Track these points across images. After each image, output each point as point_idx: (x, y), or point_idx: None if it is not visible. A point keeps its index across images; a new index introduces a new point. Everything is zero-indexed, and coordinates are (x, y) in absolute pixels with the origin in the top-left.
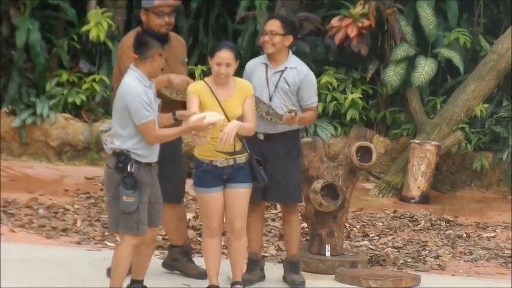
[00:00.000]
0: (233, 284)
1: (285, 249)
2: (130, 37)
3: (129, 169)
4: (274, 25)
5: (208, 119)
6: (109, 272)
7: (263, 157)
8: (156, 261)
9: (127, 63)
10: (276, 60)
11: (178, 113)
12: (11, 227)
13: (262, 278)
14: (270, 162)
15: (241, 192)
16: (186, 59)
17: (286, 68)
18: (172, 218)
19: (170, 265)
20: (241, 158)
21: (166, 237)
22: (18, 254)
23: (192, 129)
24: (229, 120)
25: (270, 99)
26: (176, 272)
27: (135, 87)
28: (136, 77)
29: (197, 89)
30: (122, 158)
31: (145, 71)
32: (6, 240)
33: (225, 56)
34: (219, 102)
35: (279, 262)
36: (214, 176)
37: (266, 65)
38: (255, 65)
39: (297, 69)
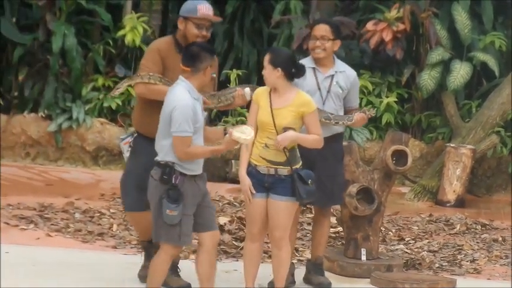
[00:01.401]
0: None
1: (312, 250)
2: (160, 41)
3: (173, 181)
4: (324, 30)
5: (234, 135)
6: (141, 277)
7: (311, 161)
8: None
9: (151, 65)
10: (324, 65)
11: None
12: (47, 231)
13: (292, 283)
14: (318, 166)
15: (279, 205)
16: (215, 75)
17: (336, 72)
18: None
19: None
20: (283, 170)
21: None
22: (55, 258)
23: (222, 151)
24: (275, 128)
25: (323, 103)
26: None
27: (184, 99)
28: (187, 89)
29: (258, 93)
30: (166, 170)
31: (196, 83)
32: (43, 244)
33: None
34: (271, 108)
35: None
36: (257, 181)
37: (314, 69)
38: None
39: (346, 73)
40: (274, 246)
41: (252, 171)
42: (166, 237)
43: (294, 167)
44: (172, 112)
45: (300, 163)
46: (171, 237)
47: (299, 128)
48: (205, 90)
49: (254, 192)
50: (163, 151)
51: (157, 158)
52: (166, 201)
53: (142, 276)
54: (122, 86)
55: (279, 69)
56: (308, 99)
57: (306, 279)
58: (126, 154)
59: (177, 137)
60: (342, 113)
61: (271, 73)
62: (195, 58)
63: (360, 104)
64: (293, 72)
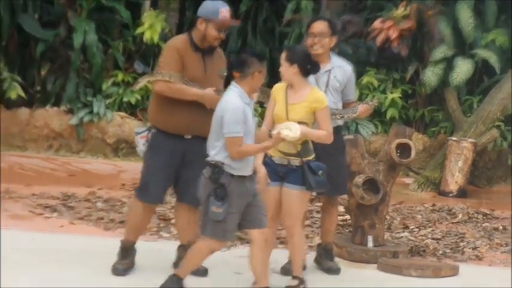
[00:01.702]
0: (292, 277)
1: (321, 236)
2: (177, 40)
3: (221, 180)
4: (321, 27)
5: (281, 132)
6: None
7: (316, 154)
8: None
9: (171, 63)
10: (322, 61)
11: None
12: (70, 220)
13: (304, 267)
14: (322, 158)
15: (292, 193)
16: (225, 73)
17: (333, 67)
18: (184, 219)
19: (177, 263)
20: (295, 161)
21: None
22: (78, 245)
23: (271, 147)
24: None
25: None
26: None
27: (235, 103)
28: (238, 94)
29: (275, 89)
30: (216, 169)
31: (246, 88)
32: (66, 231)
33: None
34: (286, 103)
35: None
36: (272, 171)
37: None
38: None
39: (343, 68)
40: (287, 234)
41: (268, 161)
42: (212, 232)
43: (305, 159)
44: (223, 115)
45: (313, 155)
46: (216, 232)
47: (311, 123)
48: (218, 89)
49: (269, 181)
50: (214, 151)
51: (208, 158)
52: (213, 199)
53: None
54: (143, 81)
55: (295, 65)
56: (321, 96)
57: (316, 261)
58: (141, 148)
59: (229, 138)
60: (340, 106)
61: (287, 69)
62: (243, 64)
63: (366, 98)
64: (308, 68)
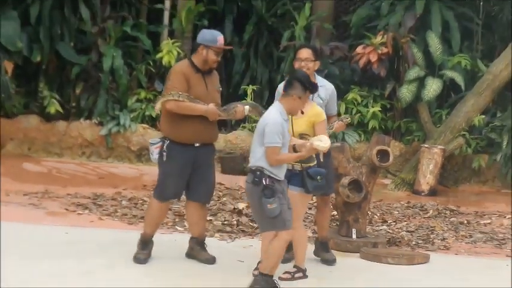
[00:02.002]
0: (294, 266)
1: (318, 231)
2: (181, 65)
3: (264, 182)
4: (307, 53)
5: (315, 144)
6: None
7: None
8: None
9: (178, 85)
10: None
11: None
12: (99, 216)
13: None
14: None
15: (293, 194)
16: (220, 88)
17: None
18: (194, 215)
19: (189, 253)
20: (297, 166)
21: (226, 222)
22: (105, 238)
23: (305, 157)
24: (293, 134)
25: None
26: (192, 258)
27: (276, 117)
28: (279, 110)
29: None
30: (257, 173)
31: (286, 106)
32: (96, 226)
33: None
34: (292, 118)
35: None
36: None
37: None
38: None
39: (325, 87)
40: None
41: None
42: (276, 226)
43: (306, 165)
44: (265, 127)
45: (314, 162)
46: (279, 224)
47: (313, 135)
48: (218, 103)
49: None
50: (255, 158)
51: (250, 165)
52: (264, 199)
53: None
54: (159, 103)
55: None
56: (319, 111)
57: (316, 254)
58: (155, 156)
59: (269, 147)
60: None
61: None
62: (289, 85)
63: (351, 112)
64: (310, 89)
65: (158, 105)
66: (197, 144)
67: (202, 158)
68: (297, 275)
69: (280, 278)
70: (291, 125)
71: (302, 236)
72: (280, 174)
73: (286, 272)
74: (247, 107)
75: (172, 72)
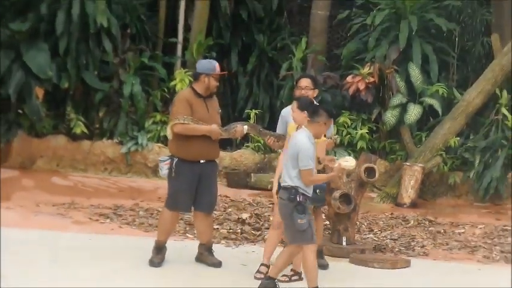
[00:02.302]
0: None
1: None
2: (185, 92)
3: (298, 199)
4: (307, 82)
5: (342, 164)
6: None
7: None
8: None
9: (183, 112)
10: None
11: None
12: (119, 224)
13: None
14: None
15: None
16: (220, 111)
17: None
18: (201, 224)
19: (198, 257)
20: None
21: (230, 230)
22: (124, 244)
23: (335, 176)
24: None
25: None
26: (200, 262)
27: (305, 142)
28: (307, 135)
29: (290, 128)
30: (292, 191)
31: (313, 131)
32: (116, 233)
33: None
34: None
35: None
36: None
37: None
38: (290, 111)
39: None
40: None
41: (279, 182)
42: (302, 239)
43: None
44: (299, 153)
45: None
46: (307, 238)
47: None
48: (219, 124)
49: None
50: (290, 178)
51: (284, 184)
52: (296, 214)
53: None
54: (169, 128)
55: (305, 112)
56: None
57: None
58: (164, 172)
59: (304, 170)
60: None
61: (299, 115)
62: (315, 112)
63: (342, 133)
64: (334, 116)
65: (169, 130)
66: (202, 161)
67: (206, 172)
68: (293, 278)
69: (278, 280)
70: None
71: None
72: (310, 191)
73: (284, 275)
74: (245, 127)
75: (176, 99)
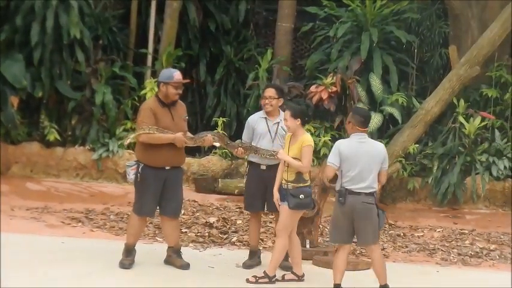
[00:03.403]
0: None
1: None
2: (149, 102)
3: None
4: (271, 92)
5: None
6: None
7: (265, 180)
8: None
9: (147, 121)
10: (272, 115)
11: None
12: (91, 228)
13: (259, 263)
14: (271, 183)
15: (284, 209)
16: (187, 117)
17: (280, 120)
18: (168, 227)
19: (167, 260)
20: (290, 186)
21: (198, 234)
22: (96, 247)
23: None
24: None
25: (272, 141)
26: (169, 265)
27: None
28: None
29: (287, 136)
30: (374, 195)
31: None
32: (87, 237)
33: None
34: (289, 145)
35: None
36: (281, 194)
37: (265, 118)
38: (256, 118)
39: None
40: (276, 236)
41: (280, 187)
42: (377, 237)
43: (297, 185)
44: (386, 156)
45: (306, 183)
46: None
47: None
48: (185, 131)
49: (280, 203)
50: (375, 182)
51: (371, 190)
52: (382, 214)
53: None
54: (131, 137)
55: (299, 119)
56: (307, 138)
57: None
58: (131, 177)
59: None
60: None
61: (293, 122)
62: (368, 120)
63: None
64: (306, 120)
65: (130, 139)
66: (167, 168)
67: (171, 178)
68: (287, 277)
69: (280, 279)
70: (288, 151)
71: (278, 245)
72: None
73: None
74: (216, 137)
75: (141, 109)
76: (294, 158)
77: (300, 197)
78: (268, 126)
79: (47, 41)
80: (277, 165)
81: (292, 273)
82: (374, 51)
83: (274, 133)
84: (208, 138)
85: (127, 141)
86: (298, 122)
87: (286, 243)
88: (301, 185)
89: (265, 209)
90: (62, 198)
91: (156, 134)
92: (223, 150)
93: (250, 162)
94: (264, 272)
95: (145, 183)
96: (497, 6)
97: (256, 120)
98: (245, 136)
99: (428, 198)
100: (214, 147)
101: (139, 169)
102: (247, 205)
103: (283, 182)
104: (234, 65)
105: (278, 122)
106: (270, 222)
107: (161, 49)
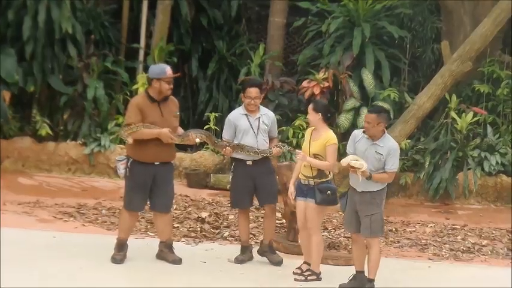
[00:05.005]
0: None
1: (264, 236)
2: (137, 98)
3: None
4: (256, 92)
5: (352, 163)
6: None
7: (252, 176)
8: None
9: (134, 118)
10: (253, 112)
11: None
12: (82, 222)
13: (251, 258)
14: (258, 178)
15: (310, 205)
16: (178, 113)
17: (262, 114)
18: (160, 222)
19: (159, 255)
20: (312, 181)
21: (190, 228)
22: (87, 241)
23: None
24: (309, 154)
25: (256, 137)
26: (161, 259)
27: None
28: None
29: (307, 131)
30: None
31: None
32: (79, 231)
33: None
34: (310, 141)
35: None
36: (299, 190)
37: (246, 115)
38: (237, 115)
39: (268, 114)
40: (309, 234)
41: (298, 183)
42: (379, 231)
43: (319, 180)
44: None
45: (328, 178)
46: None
47: (325, 155)
48: (175, 127)
49: (294, 197)
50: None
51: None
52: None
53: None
54: (124, 135)
55: (320, 114)
56: (332, 136)
57: (260, 253)
58: (121, 171)
59: (393, 172)
60: (267, 142)
61: (314, 116)
62: (331, 115)
63: (298, 135)
64: (328, 116)
65: (124, 137)
66: (156, 163)
67: (161, 174)
68: (310, 277)
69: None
70: (309, 147)
71: (315, 242)
72: None
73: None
74: (198, 138)
75: (129, 105)
76: (316, 155)
77: (328, 193)
78: (250, 123)
79: (39, 36)
80: (262, 160)
81: (309, 270)
82: (366, 47)
83: (256, 128)
84: (191, 137)
85: (124, 136)
86: (319, 116)
87: (321, 238)
88: (323, 179)
89: (259, 204)
90: (54, 192)
91: (142, 130)
92: None
93: (235, 159)
94: (309, 269)
95: (134, 178)
96: (490, 2)
97: (237, 117)
98: (226, 134)
99: (420, 194)
100: (206, 142)
101: (129, 164)
102: (235, 202)
103: (303, 177)
104: (226, 60)
105: (259, 117)
106: (262, 217)
107: (153, 44)
